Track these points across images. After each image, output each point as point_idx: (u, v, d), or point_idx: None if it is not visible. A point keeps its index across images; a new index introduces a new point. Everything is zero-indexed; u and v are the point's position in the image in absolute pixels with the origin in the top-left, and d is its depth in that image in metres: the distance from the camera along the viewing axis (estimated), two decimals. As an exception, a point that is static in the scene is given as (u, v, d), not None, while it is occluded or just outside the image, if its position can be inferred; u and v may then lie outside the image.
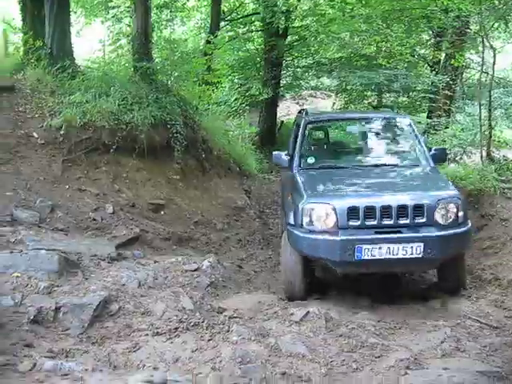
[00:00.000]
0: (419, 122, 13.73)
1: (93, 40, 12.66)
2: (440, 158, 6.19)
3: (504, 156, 9.76)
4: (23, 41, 10.09)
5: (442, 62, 14.78)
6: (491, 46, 9.69)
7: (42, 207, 6.04)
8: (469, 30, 13.10)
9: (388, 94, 18.13)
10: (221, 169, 9.45)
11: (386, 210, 4.83)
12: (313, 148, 6.92)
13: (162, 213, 7.36)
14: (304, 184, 5.56)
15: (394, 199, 4.93)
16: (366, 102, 18.59)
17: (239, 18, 16.75)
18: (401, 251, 4.74)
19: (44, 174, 6.75)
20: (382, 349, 4.03)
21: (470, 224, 5.13)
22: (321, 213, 4.90)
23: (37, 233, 5.33)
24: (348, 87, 17.82)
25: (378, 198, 4.98)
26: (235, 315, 4.44)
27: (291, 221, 5.14)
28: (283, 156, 6.39)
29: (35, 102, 7.56)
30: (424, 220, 4.85)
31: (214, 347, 3.68)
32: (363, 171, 5.94)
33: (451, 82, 13.65)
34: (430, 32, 15.28)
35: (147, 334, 3.86)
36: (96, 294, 4.15)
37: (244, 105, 16.62)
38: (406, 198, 4.96)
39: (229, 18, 16.44)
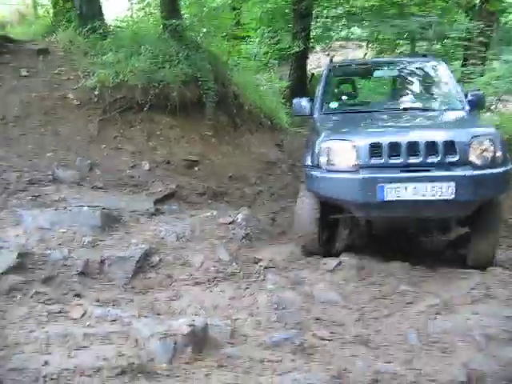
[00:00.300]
0: (453, 71, 13.45)
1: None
2: (477, 103, 5.55)
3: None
4: (52, 3, 10.19)
5: (476, 6, 14.28)
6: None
7: (81, 166, 6.27)
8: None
9: (421, 43, 17.67)
10: (252, 124, 9.51)
11: (413, 147, 4.37)
12: (337, 93, 6.48)
13: (197, 169, 7.52)
14: (323, 125, 5.19)
15: (421, 135, 4.46)
16: (398, 51, 18.19)
17: (267, -31, 16.41)
18: (429, 191, 4.31)
19: (81, 134, 6.95)
20: (412, 295, 4.16)
21: (510, 165, 4.51)
22: (340, 150, 4.51)
23: (78, 191, 5.56)
24: (380, 36, 17.42)
25: (403, 135, 4.52)
26: (270, 265, 4.60)
27: (308, 162, 4.77)
28: (304, 102, 5.79)
29: (69, 64, 7.70)
30: (457, 158, 4.35)
31: (250, 295, 3.85)
32: (391, 114, 5.44)
33: (486, 28, 13.20)
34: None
35: (187, 284, 4.06)
36: (137, 247, 4.37)
37: (274, 58, 16.47)
38: (436, 135, 4.48)
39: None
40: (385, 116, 5.39)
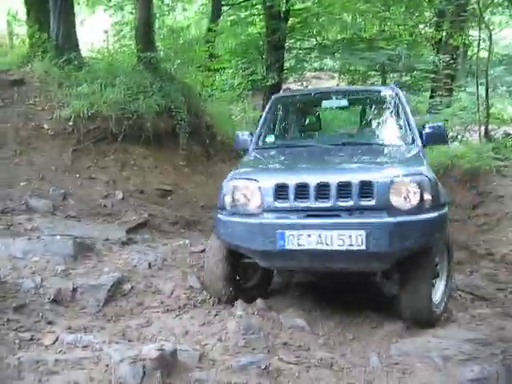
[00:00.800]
0: (421, 102, 13.92)
1: (96, 30, 12.86)
2: (435, 137, 4.79)
3: (505, 132, 9.91)
4: (29, 33, 10.30)
5: (442, 41, 14.88)
6: (487, 26, 9.81)
7: (54, 195, 6.35)
8: (468, 9, 13.18)
9: (391, 74, 18.24)
10: (225, 153, 9.69)
11: (323, 189, 3.79)
12: (277, 126, 5.77)
13: (169, 198, 7.65)
14: (242, 162, 4.76)
15: (334, 176, 3.84)
16: (369, 82, 18.73)
17: (240, 2, 16.84)
18: (336, 240, 3.67)
19: (55, 164, 7.04)
20: (379, 320, 4.33)
21: (443, 211, 3.93)
22: (244, 191, 4.00)
23: (51, 220, 5.63)
24: (351, 68, 17.95)
25: (314, 175, 3.91)
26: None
27: (218, 203, 4.27)
28: (245, 136, 5.33)
29: (44, 95, 7.83)
30: (373, 203, 3.72)
31: (220, 321, 3.95)
32: (326, 150, 4.77)
33: (451, 61, 13.75)
34: (431, 11, 15.36)
35: (158, 311, 4.15)
36: (109, 275, 4.44)
37: (248, 89, 16.81)
38: (352, 175, 3.82)
39: (230, 1, 16.55)
40: (316, 152, 4.78)
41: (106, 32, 12.52)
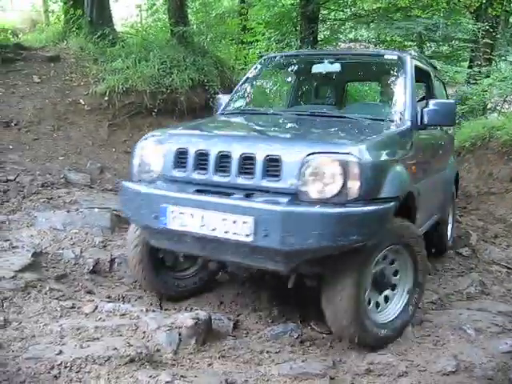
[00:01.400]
0: (458, 73, 13.57)
1: (129, 4, 12.89)
2: (440, 116, 3.86)
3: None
4: (63, 10, 10.44)
5: (482, 8, 14.39)
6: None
7: (92, 169, 6.50)
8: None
9: (428, 44, 17.79)
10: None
11: (224, 161, 3.09)
12: (253, 91, 5.05)
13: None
14: (181, 125, 4.35)
15: (239, 146, 3.10)
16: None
17: (273, -27, 16.57)
18: (221, 226, 2.91)
19: (92, 139, 7.19)
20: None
21: (381, 207, 2.92)
22: (150, 154, 3.43)
23: (89, 193, 5.77)
24: (387, 38, 17.55)
25: (219, 142, 3.23)
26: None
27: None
28: (222, 99, 4.71)
29: (80, 71, 7.96)
30: (280, 184, 2.93)
31: (253, 292, 4.03)
32: (287, 120, 4.07)
33: (491, 30, 13.30)
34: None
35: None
36: (146, 247, 4.55)
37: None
38: (258, 147, 3.06)
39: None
40: (272, 122, 4.09)
41: (138, 7, 12.55)
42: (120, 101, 7.62)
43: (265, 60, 5.06)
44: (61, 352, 2.66)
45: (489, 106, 12.87)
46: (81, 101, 7.55)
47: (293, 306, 3.77)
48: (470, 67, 14.03)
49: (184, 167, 3.22)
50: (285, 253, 2.84)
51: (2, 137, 6.68)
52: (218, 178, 3.10)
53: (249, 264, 3.18)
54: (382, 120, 3.83)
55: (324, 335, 3.36)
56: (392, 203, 3.00)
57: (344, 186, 2.83)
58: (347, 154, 2.87)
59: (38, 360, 2.60)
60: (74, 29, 8.95)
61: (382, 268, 3.27)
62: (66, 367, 2.55)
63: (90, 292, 3.76)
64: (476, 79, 11.76)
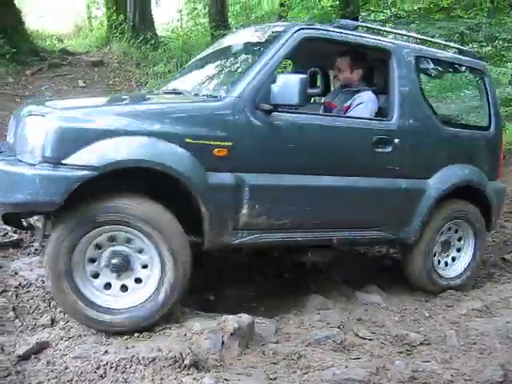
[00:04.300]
0: (503, 74, 13.24)
1: (171, 10, 13.08)
2: (285, 94, 3.29)
3: None
4: (106, 16, 10.68)
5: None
6: None
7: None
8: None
9: (471, 45, 17.43)
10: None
11: None
12: None
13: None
14: None
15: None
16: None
17: (313, -25, 16.56)
18: None
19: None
20: (455, 299, 4.25)
21: (55, 171, 2.80)
22: None
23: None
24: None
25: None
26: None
27: None
28: None
29: (123, 75, 8.12)
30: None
31: (295, 296, 4.03)
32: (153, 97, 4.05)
33: (538, 29, 12.94)
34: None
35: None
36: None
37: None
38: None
39: (303, -25, 16.31)
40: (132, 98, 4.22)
41: (179, 11, 12.71)
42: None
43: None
44: (106, 352, 2.71)
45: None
46: (123, 104, 7.69)
47: (334, 312, 3.74)
48: (514, 68, 13.69)
49: None
50: None
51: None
52: None
53: None
54: (210, 96, 3.54)
55: (367, 341, 3.32)
56: (84, 172, 2.79)
57: (36, 147, 2.84)
58: (43, 116, 2.90)
59: (84, 359, 2.66)
60: (116, 34, 9.15)
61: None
62: (111, 367, 2.60)
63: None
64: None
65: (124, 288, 3.09)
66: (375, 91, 4.25)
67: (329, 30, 3.88)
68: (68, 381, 2.53)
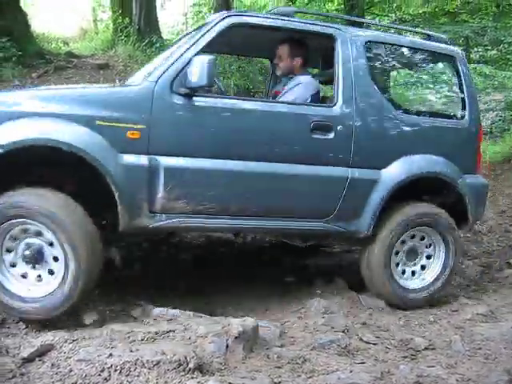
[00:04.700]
0: (508, 78, 13.21)
1: (176, 12, 13.12)
2: (194, 75, 3.31)
3: None
4: (112, 19, 10.71)
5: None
6: None
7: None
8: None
9: (476, 49, 17.41)
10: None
11: None
12: None
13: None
14: None
15: None
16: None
17: (318, -22, 16.61)
18: None
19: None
20: (460, 303, 4.24)
21: None
22: None
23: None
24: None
25: None
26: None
27: None
28: None
29: (128, 78, 8.11)
30: None
31: (299, 300, 4.02)
32: None
33: (544, 33, 12.93)
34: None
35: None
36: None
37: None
38: None
39: (307, -22, 16.35)
40: None
41: (185, 14, 12.73)
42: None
43: None
44: (111, 355, 2.70)
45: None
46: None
47: (339, 316, 3.73)
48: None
49: None
50: None
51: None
52: None
53: None
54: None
55: (372, 346, 3.31)
56: None
57: None
58: None
59: (88, 362, 2.65)
60: (122, 37, 9.17)
61: None
62: (115, 370, 2.59)
63: (138, 297, 3.81)
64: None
65: (40, 278, 3.18)
66: (315, 76, 4.23)
67: (259, 17, 3.86)
68: (72, 383, 2.53)
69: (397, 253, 4.08)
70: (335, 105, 3.83)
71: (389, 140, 3.99)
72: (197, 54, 3.42)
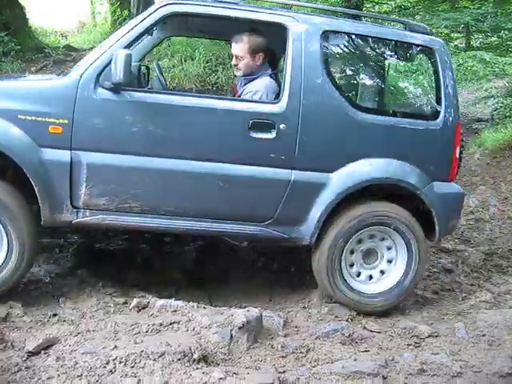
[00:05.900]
0: (509, 64, 13.14)
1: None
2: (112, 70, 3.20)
3: None
4: (110, 11, 10.67)
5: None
6: None
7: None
8: None
9: (476, 36, 17.31)
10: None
11: None
12: None
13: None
14: None
15: None
16: (452, 44, 17.88)
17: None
18: None
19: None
20: (463, 290, 4.25)
21: None
22: None
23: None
24: (433, 30, 17.15)
25: None
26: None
27: None
28: None
29: (127, 70, 8.09)
30: None
31: (303, 289, 4.03)
32: None
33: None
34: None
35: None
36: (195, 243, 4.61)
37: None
38: None
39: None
40: None
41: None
42: (167, 99, 7.71)
43: None
44: (115, 347, 2.72)
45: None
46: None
47: (342, 305, 3.74)
48: (521, 58, 13.58)
49: None
50: None
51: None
52: None
53: None
54: None
55: (375, 334, 3.32)
56: None
57: None
58: None
59: (93, 354, 2.66)
60: (120, 29, 9.12)
61: None
62: (120, 362, 2.60)
63: (141, 289, 3.81)
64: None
65: None
66: (276, 75, 3.88)
67: (201, 5, 3.51)
68: (78, 376, 2.53)
69: (352, 252, 3.73)
70: (279, 101, 3.49)
71: (341, 141, 3.60)
72: (129, 45, 3.29)
